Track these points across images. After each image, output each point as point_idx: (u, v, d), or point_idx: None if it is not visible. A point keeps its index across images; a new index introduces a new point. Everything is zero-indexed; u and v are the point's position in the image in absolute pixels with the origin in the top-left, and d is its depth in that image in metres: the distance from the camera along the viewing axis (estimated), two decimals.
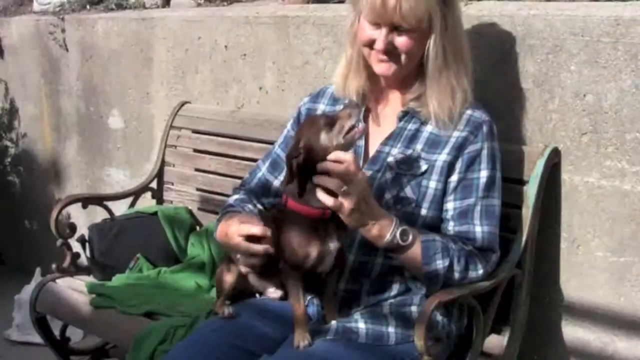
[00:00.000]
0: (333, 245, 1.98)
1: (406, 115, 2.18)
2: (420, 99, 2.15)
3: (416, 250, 2.02)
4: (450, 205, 2.12)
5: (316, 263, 1.97)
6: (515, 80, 2.43)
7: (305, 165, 1.91)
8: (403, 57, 2.09)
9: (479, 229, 2.09)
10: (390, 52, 2.08)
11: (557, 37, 2.32)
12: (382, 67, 2.13)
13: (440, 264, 2.02)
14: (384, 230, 1.99)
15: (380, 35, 2.07)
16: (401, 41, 2.06)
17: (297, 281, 1.99)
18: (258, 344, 2.05)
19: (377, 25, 2.07)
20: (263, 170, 2.40)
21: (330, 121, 1.92)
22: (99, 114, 4.04)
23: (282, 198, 2.01)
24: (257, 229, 2.01)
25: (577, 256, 2.38)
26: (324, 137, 1.90)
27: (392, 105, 2.24)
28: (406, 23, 2.03)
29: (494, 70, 2.47)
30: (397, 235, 1.99)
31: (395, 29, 2.05)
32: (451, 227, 2.11)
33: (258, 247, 2.02)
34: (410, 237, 2.00)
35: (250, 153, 3.12)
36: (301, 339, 1.95)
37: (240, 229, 2.05)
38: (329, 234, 1.97)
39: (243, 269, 2.13)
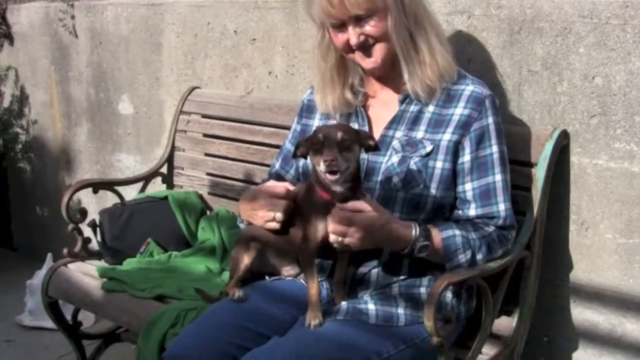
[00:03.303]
0: None
1: (407, 98, 2.19)
2: (409, 82, 2.16)
3: (438, 251, 2.05)
4: (468, 186, 2.13)
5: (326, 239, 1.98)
6: (524, 62, 2.43)
7: None
8: (380, 44, 2.11)
9: (502, 207, 2.12)
10: (366, 44, 2.11)
11: (565, 20, 2.31)
12: (370, 62, 2.15)
13: (462, 258, 2.06)
14: (401, 246, 2.02)
15: (350, 33, 2.09)
16: (370, 28, 2.08)
17: (311, 260, 2.01)
18: (268, 326, 2.07)
19: (342, 26, 2.10)
20: (277, 166, 2.44)
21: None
22: (109, 100, 4.05)
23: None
24: (280, 189, 2.10)
25: (585, 238, 2.38)
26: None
27: (391, 92, 2.25)
28: (359, 9, 2.05)
29: (503, 53, 2.47)
30: (415, 251, 2.02)
31: (357, 21, 2.08)
32: (473, 209, 2.13)
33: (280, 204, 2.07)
34: (429, 248, 2.03)
35: (259, 137, 3.13)
36: (313, 317, 1.97)
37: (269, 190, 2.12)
38: None
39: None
